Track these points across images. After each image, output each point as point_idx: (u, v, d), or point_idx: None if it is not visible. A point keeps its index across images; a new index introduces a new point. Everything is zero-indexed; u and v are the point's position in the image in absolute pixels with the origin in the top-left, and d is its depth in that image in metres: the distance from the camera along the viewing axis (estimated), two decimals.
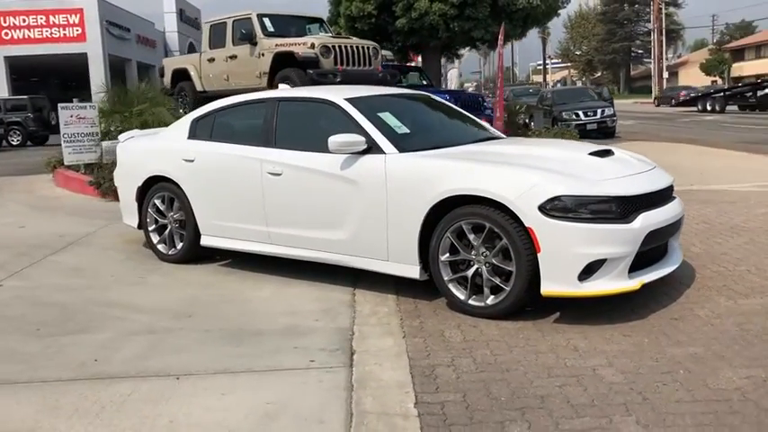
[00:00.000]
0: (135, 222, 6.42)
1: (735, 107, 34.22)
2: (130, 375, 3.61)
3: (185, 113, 11.69)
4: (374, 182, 4.68)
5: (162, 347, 4.03)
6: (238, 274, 5.66)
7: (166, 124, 11.53)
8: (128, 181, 6.44)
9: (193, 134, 5.98)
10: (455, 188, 4.32)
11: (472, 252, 4.35)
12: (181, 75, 13.60)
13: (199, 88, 13.24)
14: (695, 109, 35.64)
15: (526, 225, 4.07)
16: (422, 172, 4.53)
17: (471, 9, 15.22)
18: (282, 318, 4.52)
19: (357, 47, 11.34)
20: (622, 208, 4.12)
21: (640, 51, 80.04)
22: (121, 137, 6.77)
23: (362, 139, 4.76)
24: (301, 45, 10.87)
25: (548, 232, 4.02)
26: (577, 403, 3.12)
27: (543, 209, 4.03)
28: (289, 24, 12.28)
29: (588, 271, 4.03)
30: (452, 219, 4.36)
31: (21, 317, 4.68)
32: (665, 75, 59.72)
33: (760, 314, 4.18)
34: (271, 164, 5.23)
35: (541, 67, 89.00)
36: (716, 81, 57.91)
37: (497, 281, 4.26)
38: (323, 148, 4.99)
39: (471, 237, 4.32)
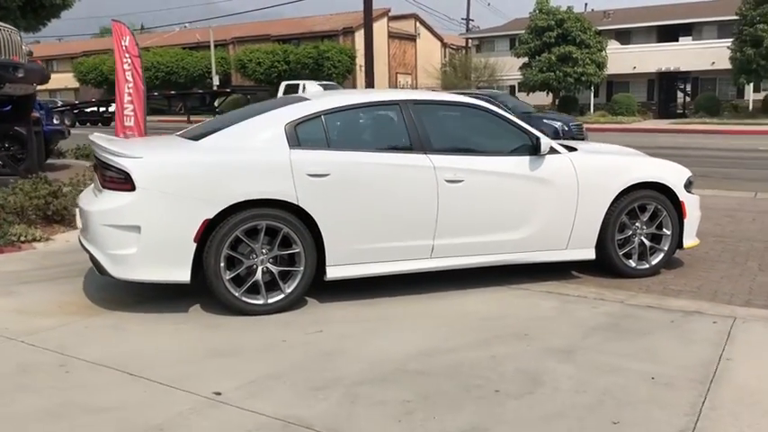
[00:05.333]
0: (185, 274, 4.32)
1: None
2: None
3: None
4: (567, 179, 5.19)
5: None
6: (362, 303, 4.84)
7: None
8: (174, 213, 4.24)
9: (296, 143, 4.60)
10: (636, 177, 5.39)
11: (634, 227, 5.55)
12: None
13: None
14: None
15: (680, 199, 5.59)
16: (608, 167, 5.41)
17: None
18: (568, 323, 4.64)
19: (3, 30, 8.43)
20: None
21: None
22: (96, 139, 4.21)
23: (549, 142, 5.19)
24: None
25: (688, 203, 5.66)
26: None
27: (685, 187, 5.66)
28: None
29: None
30: (629, 202, 5.41)
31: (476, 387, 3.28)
32: None
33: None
34: (449, 171, 4.85)
35: None
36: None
37: (654, 245, 5.62)
38: (494, 150, 5.23)
39: (639, 214, 5.51)
